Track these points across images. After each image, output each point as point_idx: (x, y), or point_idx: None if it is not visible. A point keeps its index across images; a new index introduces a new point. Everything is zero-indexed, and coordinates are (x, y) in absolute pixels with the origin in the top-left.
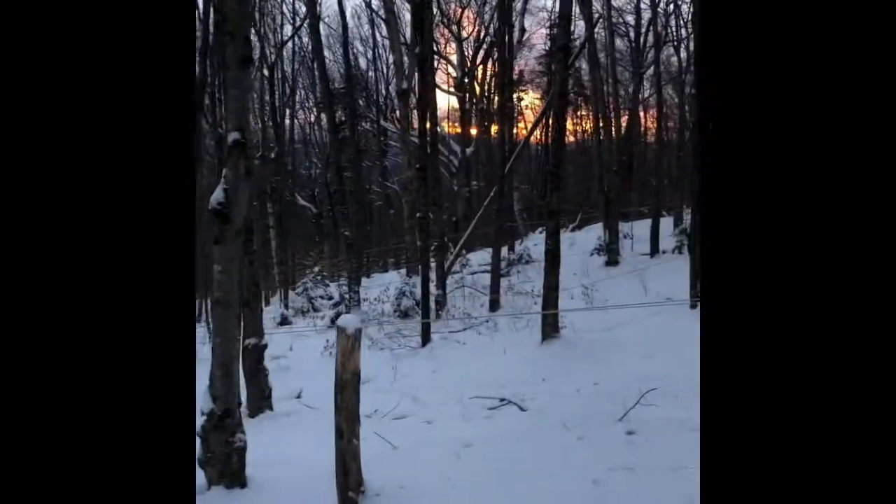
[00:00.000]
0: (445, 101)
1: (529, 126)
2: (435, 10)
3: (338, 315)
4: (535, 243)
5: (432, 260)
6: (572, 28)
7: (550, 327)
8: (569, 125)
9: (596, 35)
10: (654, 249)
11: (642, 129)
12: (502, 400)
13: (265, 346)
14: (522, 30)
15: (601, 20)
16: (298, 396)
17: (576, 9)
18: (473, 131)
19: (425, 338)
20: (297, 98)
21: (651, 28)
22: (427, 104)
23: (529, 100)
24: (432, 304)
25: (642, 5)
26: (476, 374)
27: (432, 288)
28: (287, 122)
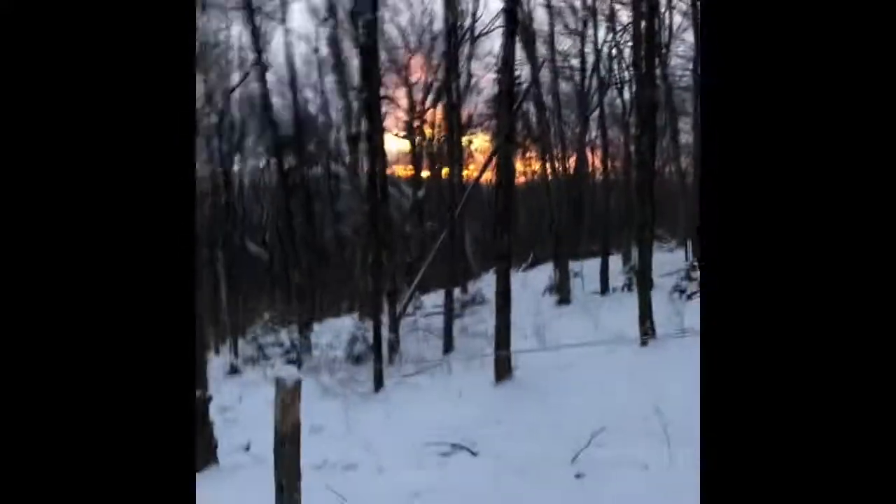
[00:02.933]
0: (397, 145)
1: (480, 168)
2: (384, 56)
3: (289, 363)
4: (488, 284)
5: (385, 303)
6: (519, 71)
7: (503, 369)
8: (519, 166)
9: (542, 78)
10: (605, 287)
11: (590, 169)
12: (454, 445)
13: (209, 399)
14: (469, 75)
15: (545, 63)
16: (247, 449)
17: (522, 53)
18: (425, 174)
19: (378, 383)
20: (248, 144)
21: (595, 72)
22: (376, 148)
23: (479, 142)
24: (385, 349)
25: (586, 49)
26: (430, 418)
27: (385, 332)
28: (236, 168)
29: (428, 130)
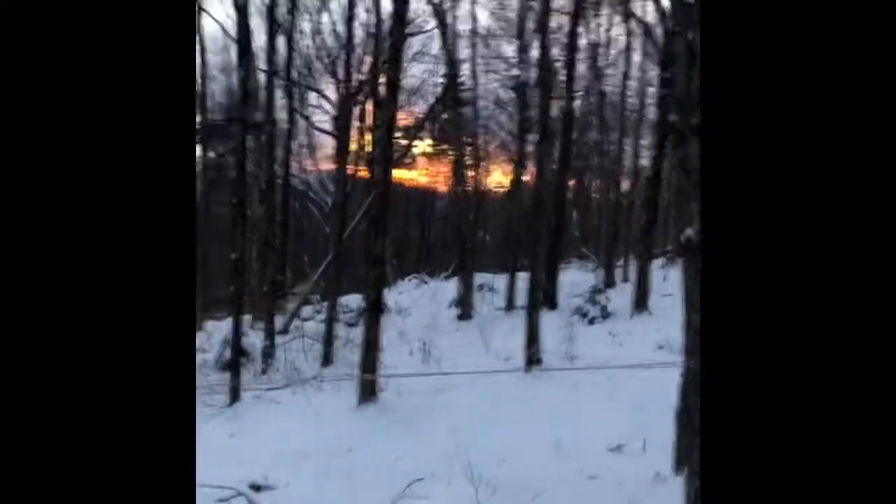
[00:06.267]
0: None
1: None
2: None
3: None
4: (400, 291)
5: (271, 307)
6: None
7: (367, 390)
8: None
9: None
10: (510, 304)
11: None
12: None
13: None
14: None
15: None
16: None
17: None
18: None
19: (234, 396)
20: None
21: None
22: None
23: (423, 146)
24: (258, 357)
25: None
26: (276, 441)
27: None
28: None
29: (356, 129)
